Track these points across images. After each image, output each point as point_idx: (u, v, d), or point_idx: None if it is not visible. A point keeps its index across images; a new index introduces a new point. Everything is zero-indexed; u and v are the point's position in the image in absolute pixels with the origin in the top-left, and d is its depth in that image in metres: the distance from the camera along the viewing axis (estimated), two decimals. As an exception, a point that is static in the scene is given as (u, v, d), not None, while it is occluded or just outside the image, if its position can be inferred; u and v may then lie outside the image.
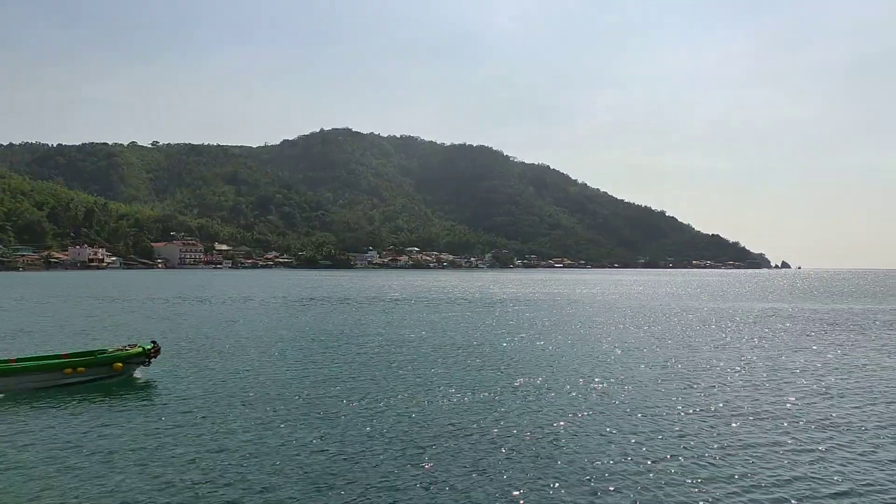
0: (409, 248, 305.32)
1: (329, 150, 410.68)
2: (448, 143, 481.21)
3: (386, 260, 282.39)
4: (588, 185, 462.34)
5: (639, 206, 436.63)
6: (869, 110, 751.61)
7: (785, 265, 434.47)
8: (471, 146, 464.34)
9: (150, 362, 19.82)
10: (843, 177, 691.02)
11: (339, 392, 17.25)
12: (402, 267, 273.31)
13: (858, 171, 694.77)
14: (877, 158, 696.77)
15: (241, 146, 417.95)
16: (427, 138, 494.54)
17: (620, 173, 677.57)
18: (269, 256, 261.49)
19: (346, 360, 22.88)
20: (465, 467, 11.29)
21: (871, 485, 10.75)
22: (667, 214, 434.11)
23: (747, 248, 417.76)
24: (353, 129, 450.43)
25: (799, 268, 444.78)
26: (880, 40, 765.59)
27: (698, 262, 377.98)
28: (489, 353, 24.87)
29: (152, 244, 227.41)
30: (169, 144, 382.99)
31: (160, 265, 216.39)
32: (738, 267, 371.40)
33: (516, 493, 10.15)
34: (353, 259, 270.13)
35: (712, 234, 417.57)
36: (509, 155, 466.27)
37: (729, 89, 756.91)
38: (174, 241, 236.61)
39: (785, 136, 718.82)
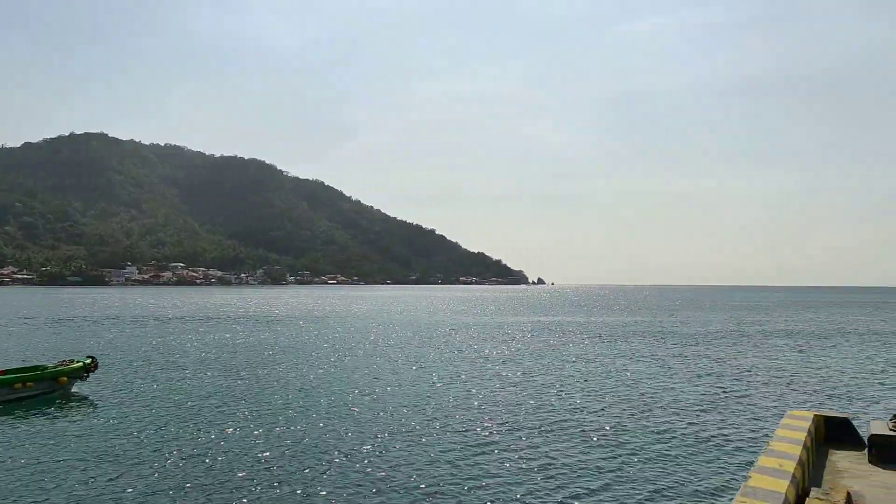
0: (173, 264, 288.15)
1: (80, 157, 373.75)
2: (218, 154, 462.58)
3: (147, 276, 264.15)
4: (362, 202, 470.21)
5: (410, 224, 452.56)
6: (618, 139, 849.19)
7: (541, 281, 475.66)
8: (242, 159, 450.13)
9: (87, 376, 21.15)
10: (593, 199, 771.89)
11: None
12: (165, 284, 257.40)
13: (606, 193, 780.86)
14: (623, 183, 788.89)
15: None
16: (195, 148, 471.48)
17: (393, 191, 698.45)
18: (5, 272, 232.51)
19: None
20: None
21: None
22: (436, 233, 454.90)
23: (508, 265, 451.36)
24: (110, 135, 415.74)
25: (552, 283, 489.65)
26: (632, 80, 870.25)
27: (465, 278, 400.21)
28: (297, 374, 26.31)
29: None
30: None
31: None
32: (501, 283, 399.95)
33: None
34: (107, 275, 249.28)
35: (478, 252, 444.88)
36: (283, 169, 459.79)
37: (503, 116, 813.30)
38: None
39: (545, 160, 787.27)
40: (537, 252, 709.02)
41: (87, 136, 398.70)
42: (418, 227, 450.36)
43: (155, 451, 13.90)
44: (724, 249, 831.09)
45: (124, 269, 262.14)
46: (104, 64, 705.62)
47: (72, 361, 21.10)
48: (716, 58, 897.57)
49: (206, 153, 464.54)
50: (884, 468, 6.58)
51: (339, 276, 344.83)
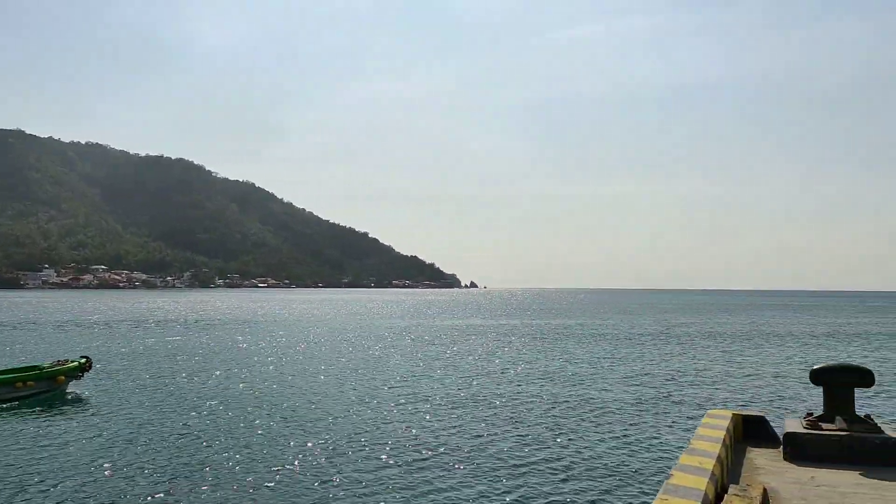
0: (94, 267, 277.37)
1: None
2: (143, 153, 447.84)
3: (66, 279, 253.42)
4: (294, 204, 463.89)
5: (343, 227, 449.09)
6: (544, 144, 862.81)
7: (473, 285, 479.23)
8: (169, 158, 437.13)
9: (82, 376, 21.89)
10: (520, 203, 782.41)
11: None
12: (85, 287, 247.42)
13: (534, 198, 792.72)
14: (545, 188, 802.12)
15: None
16: (118, 147, 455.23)
17: (326, 193, 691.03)
18: None
19: None
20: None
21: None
22: (369, 236, 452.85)
23: (441, 269, 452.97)
24: (28, 132, 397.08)
25: (485, 287, 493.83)
26: (557, 86, 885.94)
27: (398, 282, 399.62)
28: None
29: None
30: None
31: None
32: (434, 286, 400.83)
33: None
34: (23, 278, 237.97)
35: (411, 256, 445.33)
36: (212, 170, 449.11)
37: (434, 119, 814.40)
38: None
39: (476, 164, 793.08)
40: (470, 256, 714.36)
41: (3, 133, 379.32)
42: (351, 230, 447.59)
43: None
44: (642, 252, 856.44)
45: (41, 271, 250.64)
46: (21, 58, 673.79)
47: (67, 361, 21.77)
48: (638, 66, 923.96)
49: (131, 152, 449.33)
50: (797, 464, 6.85)
51: (269, 279, 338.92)
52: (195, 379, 24.97)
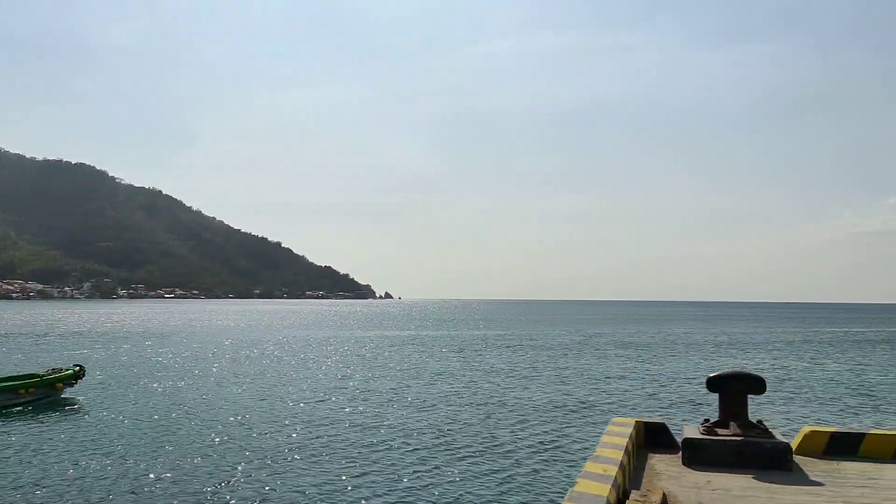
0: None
1: None
2: (41, 157, 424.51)
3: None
4: (203, 212, 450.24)
5: (255, 237, 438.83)
6: (451, 157, 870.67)
7: (388, 295, 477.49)
8: (69, 163, 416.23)
9: (76, 383, 23.22)
10: (433, 213, 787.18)
11: None
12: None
13: (446, 209, 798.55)
14: (458, 199, 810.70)
15: None
16: (13, 150, 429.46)
17: (238, 202, 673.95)
18: None
19: None
20: None
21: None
22: (283, 245, 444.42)
23: (356, 279, 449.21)
24: None
25: (399, 298, 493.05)
26: (466, 101, 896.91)
27: (311, 293, 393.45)
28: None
29: None
30: None
31: None
32: (349, 297, 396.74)
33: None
34: None
35: (325, 266, 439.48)
36: (115, 176, 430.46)
37: (349, 128, 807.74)
38: None
39: (391, 174, 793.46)
40: (384, 266, 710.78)
41: None
42: (263, 240, 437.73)
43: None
44: (549, 264, 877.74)
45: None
46: None
47: (61, 370, 23.10)
48: (547, 83, 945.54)
49: (27, 156, 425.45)
50: (694, 469, 7.14)
51: (177, 289, 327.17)
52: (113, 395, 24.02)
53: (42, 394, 21.84)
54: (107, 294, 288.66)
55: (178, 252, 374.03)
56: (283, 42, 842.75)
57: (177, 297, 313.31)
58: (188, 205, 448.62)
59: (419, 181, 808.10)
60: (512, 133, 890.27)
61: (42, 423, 18.81)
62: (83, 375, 23.50)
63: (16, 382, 21.56)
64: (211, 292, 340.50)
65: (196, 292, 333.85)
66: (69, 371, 23.00)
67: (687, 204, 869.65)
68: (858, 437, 7.89)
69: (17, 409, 20.43)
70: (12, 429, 17.87)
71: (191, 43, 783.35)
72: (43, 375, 22.49)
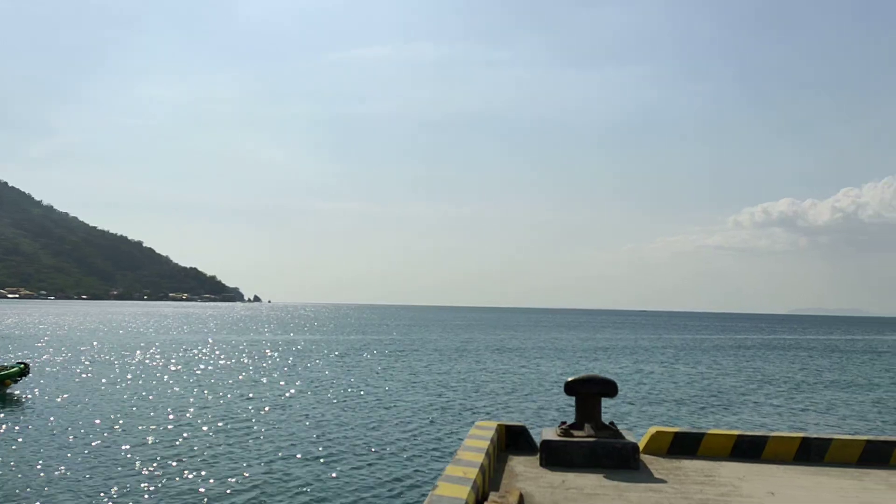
0: None
1: None
2: None
3: None
4: (55, 207, 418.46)
5: (114, 235, 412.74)
6: (327, 161, 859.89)
7: (257, 299, 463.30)
8: None
9: (20, 379, 24.16)
10: (304, 216, 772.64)
11: None
12: None
13: (318, 212, 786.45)
14: (332, 203, 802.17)
15: None
16: None
17: (96, 199, 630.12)
18: None
19: None
20: None
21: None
22: (144, 245, 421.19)
23: (224, 281, 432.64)
24: None
25: (269, 301, 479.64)
26: (344, 104, 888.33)
27: (175, 294, 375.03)
28: None
29: None
30: None
31: None
32: (215, 300, 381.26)
33: None
34: None
35: (190, 267, 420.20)
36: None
37: (219, 128, 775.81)
38: None
39: (262, 176, 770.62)
40: (254, 269, 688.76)
41: None
42: (123, 238, 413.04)
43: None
44: (426, 270, 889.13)
45: None
46: None
47: (6, 367, 23.92)
48: (422, 91, 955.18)
49: None
50: (551, 470, 7.45)
51: (21, 289, 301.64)
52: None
53: None
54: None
55: (25, 249, 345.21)
56: (144, 34, 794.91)
57: (21, 297, 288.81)
58: (38, 199, 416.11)
59: (294, 184, 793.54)
60: (385, 139, 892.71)
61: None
62: (28, 372, 24.52)
63: None
64: (63, 293, 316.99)
65: (44, 293, 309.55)
66: (15, 368, 23.92)
67: (544, 215, 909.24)
68: (699, 437, 8.53)
69: None
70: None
71: (44, 27, 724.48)
72: None
